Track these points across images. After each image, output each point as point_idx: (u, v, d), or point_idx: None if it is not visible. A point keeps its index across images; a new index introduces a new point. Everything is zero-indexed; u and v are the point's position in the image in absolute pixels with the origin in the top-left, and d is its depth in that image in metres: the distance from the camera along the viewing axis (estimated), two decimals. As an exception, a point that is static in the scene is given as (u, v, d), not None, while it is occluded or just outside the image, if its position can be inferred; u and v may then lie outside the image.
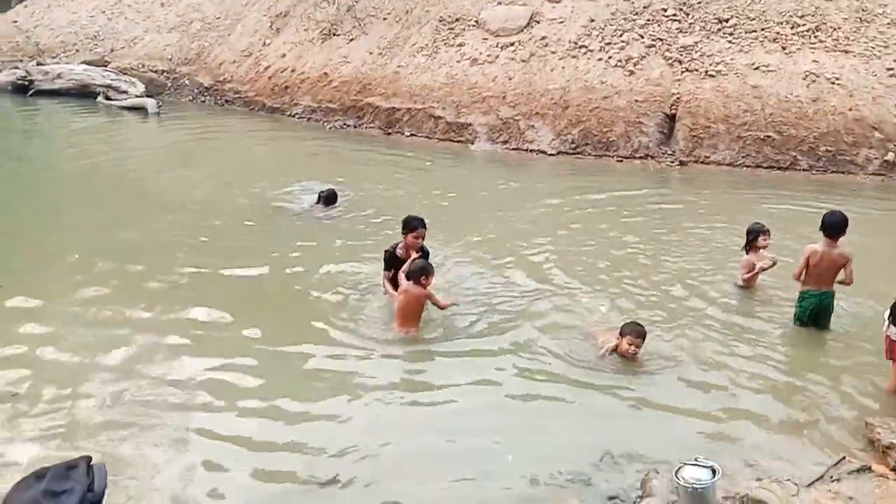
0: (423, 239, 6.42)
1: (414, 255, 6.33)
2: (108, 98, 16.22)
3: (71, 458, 3.42)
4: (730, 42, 12.49)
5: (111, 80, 16.53)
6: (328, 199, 9.27)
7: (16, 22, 19.47)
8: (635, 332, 5.60)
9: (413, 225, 6.37)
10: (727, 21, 12.77)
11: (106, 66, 17.23)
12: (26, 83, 16.92)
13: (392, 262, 6.47)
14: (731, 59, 12.27)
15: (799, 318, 6.21)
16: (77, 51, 18.37)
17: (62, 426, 4.77)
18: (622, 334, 5.62)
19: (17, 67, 17.47)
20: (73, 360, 5.58)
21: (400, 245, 6.47)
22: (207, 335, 6.05)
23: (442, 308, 6.16)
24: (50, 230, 8.56)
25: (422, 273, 5.96)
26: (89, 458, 3.37)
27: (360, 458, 4.54)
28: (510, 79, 13.36)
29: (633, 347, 5.57)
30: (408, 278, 6.02)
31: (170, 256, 7.66)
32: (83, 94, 16.47)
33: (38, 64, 17.60)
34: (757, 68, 12.05)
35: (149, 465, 4.44)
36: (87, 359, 5.59)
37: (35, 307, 6.42)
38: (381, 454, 4.60)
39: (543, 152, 12.46)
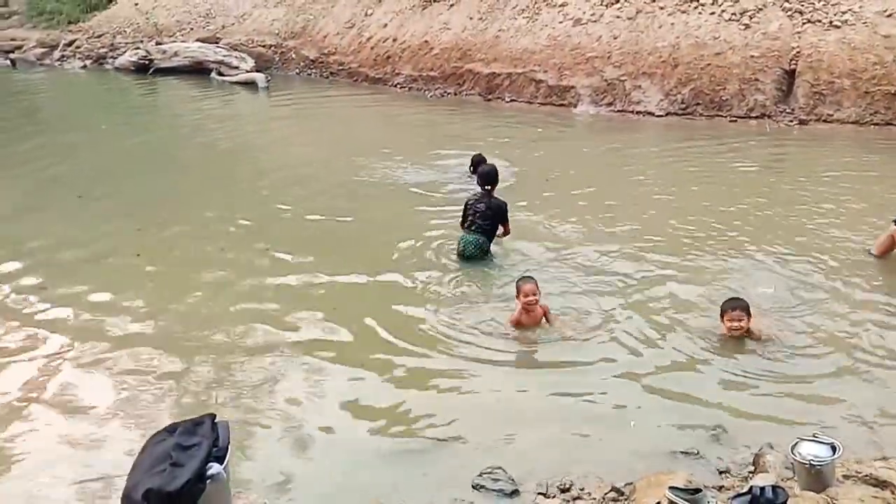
0: None
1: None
2: (220, 74, 16.92)
3: (196, 415, 3.68)
4: (858, -12, 11.53)
5: (223, 56, 17.21)
6: (479, 164, 8.66)
7: (136, 4, 20.57)
8: (731, 308, 5.29)
9: (482, 161, 8.02)
10: (856, -35, 11.77)
11: (218, 43, 17.95)
12: (146, 62, 17.90)
13: None
14: (860, 8, 11.32)
15: None
16: (191, 29, 19.20)
17: (188, 381, 5.13)
18: (722, 314, 5.36)
19: (138, 48, 18.49)
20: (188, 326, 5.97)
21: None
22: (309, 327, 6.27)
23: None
24: (172, 201, 9.06)
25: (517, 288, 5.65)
26: (214, 416, 3.62)
27: (469, 420, 4.64)
28: (615, 38, 12.90)
29: (734, 324, 5.27)
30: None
31: (284, 234, 7.94)
32: (198, 70, 17.25)
33: (157, 43, 18.56)
34: (890, 15, 11.07)
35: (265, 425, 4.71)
36: (197, 325, 5.96)
37: (164, 275, 6.90)
38: (487, 417, 4.68)
39: (651, 114, 12.03)
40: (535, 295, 5.53)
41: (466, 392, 4.99)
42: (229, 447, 3.47)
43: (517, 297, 5.60)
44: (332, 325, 5.88)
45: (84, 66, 19.14)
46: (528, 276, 5.74)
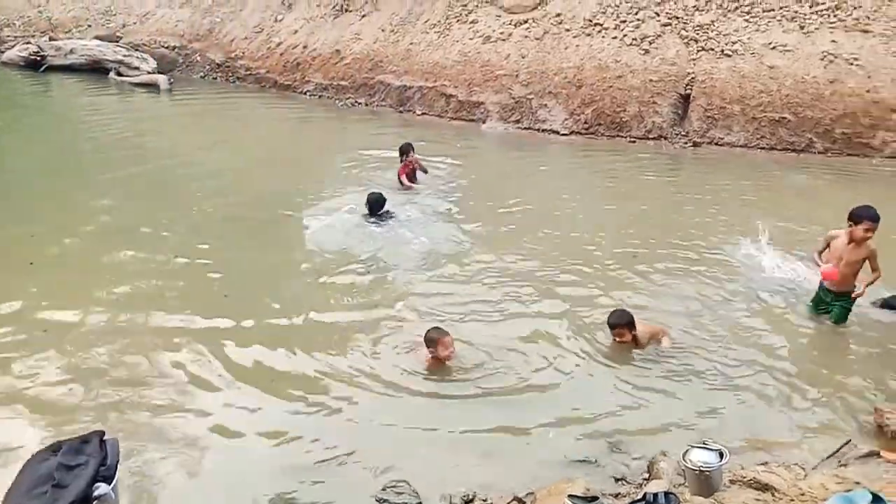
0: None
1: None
2: (119, 74, 16.19)
3: (85, 432, 3.47)
4: (747, 21, 12.29)
5: (123, 56, 16.48)
6: (407, 153, 9.22)
7: (28, -4, 19.40)
8: (610, 324, 5.58)
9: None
10: (744, -1, 12.57)
11: (118, 42, 17.17)
12: (38, 58, 16.89)
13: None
14: (748, 39, 12.09)
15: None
16: (89, 26, 18.28)
17: (76, 404, 4.84)
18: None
19: (29, 42, 17.42)
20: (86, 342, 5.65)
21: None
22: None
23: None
24: (66, 205, 8.59)
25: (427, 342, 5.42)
26: (102, 433, 3.42)
27: (371, 440, 4.60)
28: (523, 57, 13.22)
29: (617, 338, 5.58)
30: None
31: (179, 240, 7.69)
32: (95, 69, 16.44)
33: (51, 39, 17.55)
34: (774, 48, 11.87)
35: (164, 441, 4.50)
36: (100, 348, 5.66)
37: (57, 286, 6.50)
38: (388, 436, 4.66)
39: (556, 132, 12.37)
40: (449, 350, 5.33)
41: (370, 415, 4.93)
42: (118, 466, 3.29)
43: (430, 347, 5.36)
44: (228, 342, 5.70)
45: (-34, 59, 17.87)
46: (442, 330, 5.44)
